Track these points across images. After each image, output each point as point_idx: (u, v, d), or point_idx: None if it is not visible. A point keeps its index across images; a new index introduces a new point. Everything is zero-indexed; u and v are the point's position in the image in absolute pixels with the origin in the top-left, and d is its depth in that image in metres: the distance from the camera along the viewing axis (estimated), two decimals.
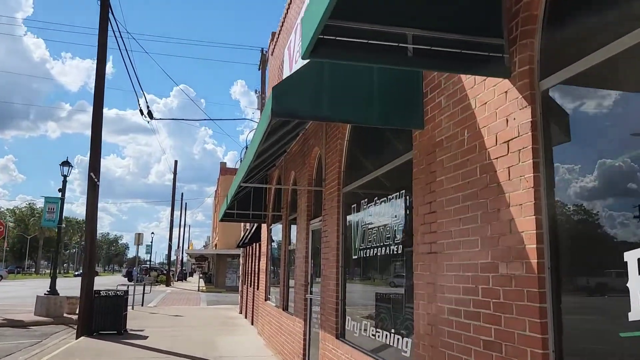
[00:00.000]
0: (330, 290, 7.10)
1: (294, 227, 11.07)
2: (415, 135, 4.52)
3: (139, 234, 22.45)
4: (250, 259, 19.67)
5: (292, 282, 10.69)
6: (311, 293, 8.74)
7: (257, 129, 5.55)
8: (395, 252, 5.04)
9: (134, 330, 14.98)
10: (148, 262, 69.48)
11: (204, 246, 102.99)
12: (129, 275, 65.70)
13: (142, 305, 24.57)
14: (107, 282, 51.16)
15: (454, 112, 3.85)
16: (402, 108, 4.38)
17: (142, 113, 20.72)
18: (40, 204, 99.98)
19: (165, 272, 60.91)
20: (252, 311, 17.33)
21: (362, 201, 6.16)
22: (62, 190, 19.99)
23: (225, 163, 54.36)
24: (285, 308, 10.97)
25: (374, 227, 5.65)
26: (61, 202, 19.99)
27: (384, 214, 5.39)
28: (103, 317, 14.09)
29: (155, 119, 24.39)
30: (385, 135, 5.85)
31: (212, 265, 63.22)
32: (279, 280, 12.02)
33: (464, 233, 3.59)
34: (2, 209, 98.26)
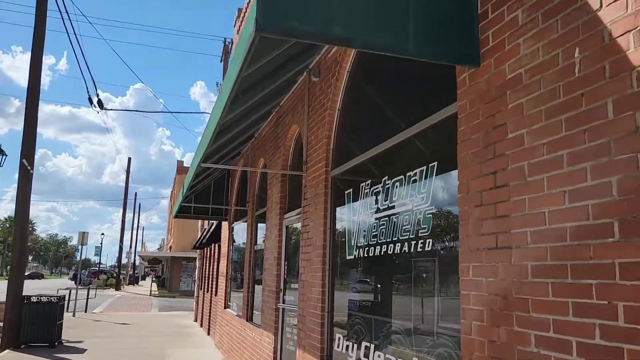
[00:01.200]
0: (313, 300, 5.62)
1: (262, 224, 9.53)
2: (463, 78, 3.11)
3: (84, 232, 20.29)
4: (207, 261, 17.92)
5: (258, 288, 9.13)
6: (284, 302, 7.23)
7: (227, 75, 4.05)
8: (418, 250, 3.61)
9: (71, 342, 13.02)
10: (98, 265, 65.92)
11: (158, 249, 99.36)
12: (75, 279, 62.14)
13: (86, 311, 22.34)
14: (52, 285, 47.85)
15: (548, 26, 2.46)
16: (443, 38, 2.96)
17: (91, 102, 18.79)
18: None
19: (115, 275, 57.79)
20: (209, 319, 15.60)
21: (364, 184, 4.71)
22: None
23: (182, 162, 52.03)
24: (250, 318, 9.39)
25: (384, 217, 4.21)
26: None
27: (400, 199, 3.95)
28: (33, 327, 12.10)
29: (106, 109, 22.26)
30: (399, 93, 4.43)
31: (166, 269, 60.50)
32: (242, 286, 10.44)
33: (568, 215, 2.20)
34: None
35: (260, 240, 9.37)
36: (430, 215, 3.48)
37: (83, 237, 20.26)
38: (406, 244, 3.80)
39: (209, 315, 15.60)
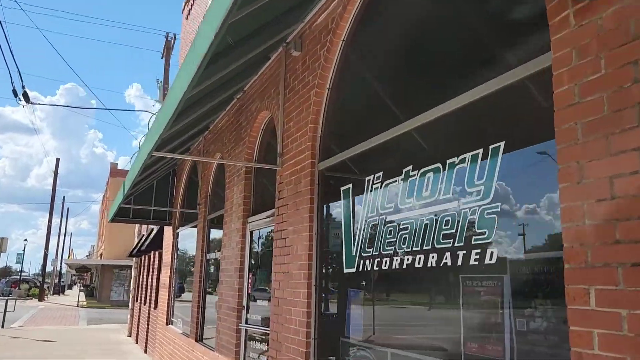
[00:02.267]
0: (293, 323, 4.53)
1: (216, 230, 8.31)
2: (563, 18, 2.17)
3: (2, 238, 18.05)
4: (146, 270, 16.28)
5: (211, 302, 7.90)
6: (247, 321, 6.07)
7: (202, 26, 2.95)
8: (472, 263, 2.63)
9: None
10: (19, 273, 61.05)
11: (87, 256, 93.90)
12: None
13: (3, 326, 19.93)
14: None
15: None
16: None
17: (15, 95, 16.83)
18: None
19: (38, 284, 53.62)
20: (147, 335, 14.02)
21: (371, 178, 3.69)
22: None
23: (117, 164, 49.20)
24: (200, 338, 8.12)
25: (406, 220, 3.21)
26: None
27: (435, 195, 2.97)
28: None
29: (32, 103, 20.09)
30: (428, 56, 3.45)
31: (96, 277, 56.78)
32: (190, 300, 9.14)
33: None
34: None
35: (214, 248, 8.15)
36: (494, 215, 2.51)
37: (1, 243, 18.03)
38: (447, 254, 2.81)
39: (147, 331, 14.03)
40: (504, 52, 2.73)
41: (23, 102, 17.71)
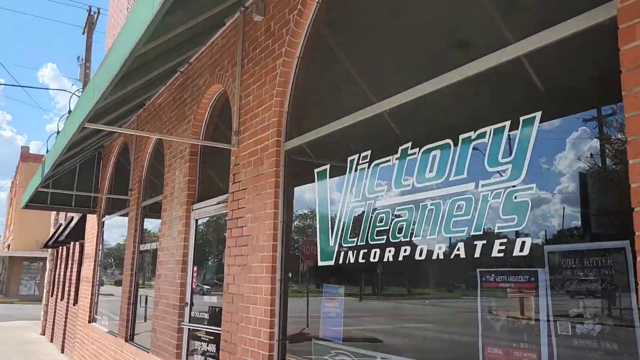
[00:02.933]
0: (252, 322, 3.99)
1: (153, 219, 7.55)
2: None
3: None
4: (64, 263, 14.93)
5: (146, 298, 7.16)
6: (191, 320, 5.44)
7: None
8: (494, 255, 2.24)
9: None
10: None
11: None
12: None
13: None
14: None
15: None
16: None
17: None
18: None
19: None
20: (64, 334, 12.83)
21: (355, 158, 3.23)
22: None
23: (28, 148, 45.61)
24: (130, 338, 7.34)
25: (404, 205, 2.77)
26: None
27: (445, 176, 2.55)
28: None
29: None
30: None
31: (3, 270, 52.49)
32: (118, 296, 8.29)
33: None
34: None
35: (150, 238, 7.39)
36: (526, 199, 2.13)
37: None
38: (460, 245, 2.41)
39: (64, 329, 12.84)
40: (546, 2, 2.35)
41: None
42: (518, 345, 2.11)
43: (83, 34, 26.33)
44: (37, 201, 9.33)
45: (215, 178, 5.62)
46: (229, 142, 4.79)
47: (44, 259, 40.06)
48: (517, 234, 2.15)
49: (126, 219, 8.91)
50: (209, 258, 5.43)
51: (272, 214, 3.94)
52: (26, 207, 9.47)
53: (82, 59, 25.74)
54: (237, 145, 4.66)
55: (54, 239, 13.73)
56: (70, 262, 13.31)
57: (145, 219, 7.69)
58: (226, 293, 4.50)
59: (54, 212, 16.89)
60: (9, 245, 45.90)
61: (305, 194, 3.85)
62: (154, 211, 7.49)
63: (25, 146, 47.39)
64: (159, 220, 6.59)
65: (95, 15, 26.07)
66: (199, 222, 5.63)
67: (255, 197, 4.22)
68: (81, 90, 24.63)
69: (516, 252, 2.14)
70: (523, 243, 2.12)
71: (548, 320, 2.02)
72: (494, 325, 2.24)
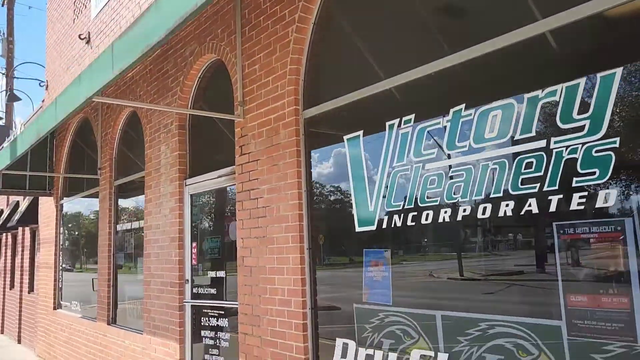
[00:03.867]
0: (280, 292, 3.98)
1: (128, 198, 7.26)
2: None
3: None
4: (10, 250, 14.06)
5: (129, 279, 6.93)
6: (194, 297, 5.33)
7: None
8: (575, 207, 2.35)
9: None
10: None
11: None
12: None
13: None
14: None
15: None
16: None
17: None
18: None
19: None
20: (19, 324, 12.19)
21: (394, 122, 3.24)
22: None
23: None
24: (113, 321, 7.10)
25: (461, 166, 2.84)
26: None
27: (506, 134, 2.63)
28: None
29: None
30: None
31: None
32: (85, 280, 7.95)
33: None
34: None
35: (126, 217, 7.10)
36: (609, 152, 2.24)
37: None
38: (532, 201, 2.50)
39: (19, 319, 12.18)
40: None
41: None
42: (606, 291, 2.24)
43: (2, 5, 24.34)
44: None
45: (208, 151, 5.46)
46: (224, 112, 4.65)
47: None
48: (599, 187, 2.26)
49: (88, 200, 8.52)
50: (209, 233, 5.30)
51: (295, 184, 3.91)
52: None
53: (3, 33, 23.87)
54: (242, 116, 4.53)
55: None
56: (17, 248, 12.55)
57: (121, 198, 7.37)
58: (241, 266, 4.44)
59: None
60: None
61: (331, 161, 3.83)
62: (129, 190, 7.21)
63: None
64: (133, 199, 6.34)
65: None
66: (199, 196, 5.47)
67: (271, 168, 4.15)
68: (4, 68, 22.86)
69: (599, 204, 2.26)
70: (607, 195, 2.24)
71: (638, 267, 2.15)
72: (576, 274, 2.36)
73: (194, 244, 5.40)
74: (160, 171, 5.94)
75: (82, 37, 8.43)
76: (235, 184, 4.74)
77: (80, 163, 9.18)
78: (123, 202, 7.36)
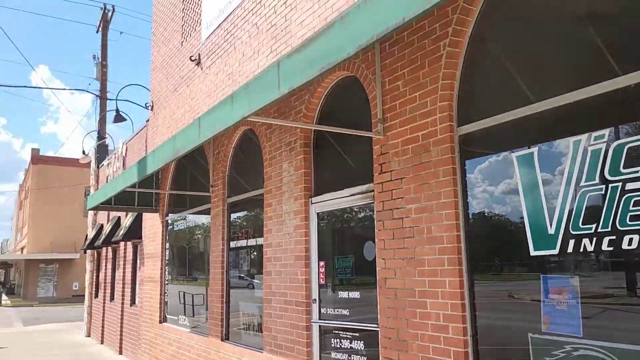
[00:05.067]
0: (433, 317, 3.79)
1: (240, 213, 7.35)
2: None
3: None
4: (110, 263, 14.74)
5: (240, 294, 6.97)
6: (323, 317, 5.24)
7: None
8: None
9: None
10: None
11: None
12: None
13: None
14: None
15: None
16: None
17: None
18: None
19: None
20: (121, 336, 12.67)
21: (580, 139, 3.01)
22: None
23: (38, 150, 45.34)
24: (226, 337, 7.17)
25: None
26: None
27: None
28: None
29: None
30: None
31: (17, 274, 52.34)
32: (199, 294, 8.10)
33: None
34: None
35: (241, 234, 7.18)
36: None
37: None
38: None
39: (121, 331, 12.67)
40: None
41: None
42: None
43: (97, 32, 26.02)
44: (106, 201, 9.11)
45: (334, 169, 5.40)
46: (353, 129, 4.57)
47: (59, 261, 40.04)
48: None
49: (193, 216, 8.73)
50: (339, 252, 5.21)
51: (451, 204, 3.74)
52: (96, 208, 9.24)
53: (98, 58, 25.42)
54: (382, 133, 4.43)
55: (104, 240, 13.53)
56: (122, 262, 13.11)
57: (232, 214, 7.48)
58: (383, 288, 4.30)
59: (91, 213, 16.67)
60: (23, 248, 45.77)
61: (492, 180, 3.63)
62: (241, 207, 7.31)
63: (36, 148, 47.18)
64: (246, 216, 6.39)
65: (110, 13, 25.76)
66: (323, 214, 5.42)
67: (420, 187, 4.01)
68: (99, 90, 24.30)
69: None
70: None
71: None
72: None
73: (322, 263, 5.34)
74: (282, 189, 5.96)
75: (192, 58, 8.73)
76: (370, 202, 4.64)
77: (185, 180, 9.47)
78: (235, 219, 7.47)
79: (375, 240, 4.47)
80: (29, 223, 42.55)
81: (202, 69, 8.49)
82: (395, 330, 4.16)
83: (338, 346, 5.02)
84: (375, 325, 4.44)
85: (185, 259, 9.39)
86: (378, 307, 4.38)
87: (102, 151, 17.12)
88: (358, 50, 2.68)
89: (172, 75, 9.93)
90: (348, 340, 4.89)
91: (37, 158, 43.50)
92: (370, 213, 4.75)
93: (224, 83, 7.59)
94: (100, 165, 16.66)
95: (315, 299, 5.34)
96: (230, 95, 4.04)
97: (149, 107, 11.32)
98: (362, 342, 4.74)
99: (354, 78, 5.01)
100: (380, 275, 4.37)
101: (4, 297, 40.32)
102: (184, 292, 9.12)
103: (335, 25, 2.85)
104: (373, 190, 4.57)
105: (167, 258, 9.86)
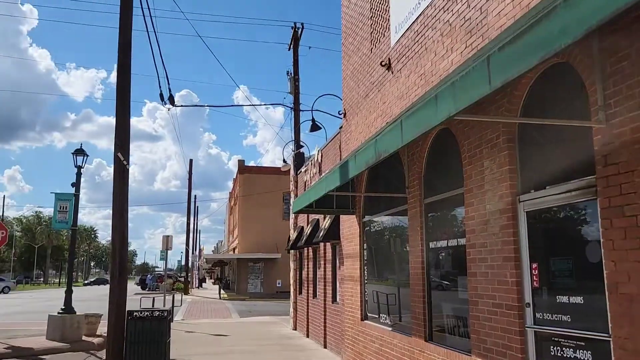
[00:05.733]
0: None
1: (434, 214, 7.28)
2: None
3: (167, 236, 18.69)
4: (311, 263, 15.87)
5: (441, 295, 6.89)
6: (538, 322, 4.91)
7: None
8: None
9: None
10: (165, 270, 65.81)
11: (212, 251, 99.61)
12: (142, 283, 62.03)
13: (172, 320, 20.80)
14: None
15: None
16: None
17: (162, 99, 17.26)
18: (46, 212, 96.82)
19: (180, 279, 57.33)
20: (325, 331, 13.52)
21: None
22: (77, 184, 16.21)
23: (244, 161, 50.72)
24: (429, 337, 7.16)
25: None
26: (75, 200, 16.22)
27: None
28: (139, 347, 10.31)
29: (176, 106, 20.79)
30: None
31: (231, 271, 59.37)
32: (392, 294, 8.23)
33: None
34: (8, 218, 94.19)
35: (441, 234, 7.12)
36: None
37: (167, 241, 18.67)
38: None
39: (324, 326, 13.52)
40: None
41: (169, 105, 18.24)
42: None
43: (289, 49, 28.20)
44: (309, 205, 9.83)
45: (541, 165, 5.03)
46: (563, 119, 4.16)
47: (264, 260, 44.31)
48: None
49: (389, 218, 8.88)
50: (555, 253, 4.84)
51: None
52: (300, 211, 10.04)
53: (290, 73, 27.54)
54: (605, 121, 3.99)
55: (303, 241, 14.64)
56: (322, 262, 14.00)
57: (429, 215, 7.46)
58: (614, 294, 3.87)
59: (292, 217, 18.12)
60: (234, 249, 51.77)
61: None
62: (437, 207, 7.24)
63: (241, 159, 53.07)
64: (443, 216, 6.25)
65: (300, 31, 27.77)
66: (531, 214, 5.09)
67: None
68: (292, 103, 26.34)
69: None
70: None
71: None
72: None
73: (534, 265, 5.01)
74: (484, 187, 5.75)
75: (382, 63, 8.95)
76: (591, 198, 4.22)
77: (379, 182, 9.73)
78: (433, 220, 7.43)
79: (601, 240, 4.05)
80: (238, 226, 47.95)
81: (392, 72, 8.65)
82: (632, 341, 3.70)
83: (559, 355, 4.64)
84: (606, 335, 4.01)
85: (380, 259, 9.64)
86: (608, 314, 3.95)
87: (299, 159, 18.52)
88: (586, 32, 2.46)
89: (363, 82, 10.30)
90: (571, 349, 4.50)
91: (242, 168, 48.82)
92: (591, 210, 4.31)
93: (415, 84, 7.62)
94: (298, 172, 18.03)
95: (528, 303, 5.03)
96: (433, 96, 4.03)
97: (342, 115, 11.90)
98: (588, 351, 4.32)
99: (564, 64, 4.62)
100: (609, 280, 3.94)
101: (222, 291, 45.97)
102: (378, 292, 9.36)
103: (559, 7, 2.66)
104: (594, 186, 4.15)
105: (365, 258, 10.24)
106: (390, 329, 8.61)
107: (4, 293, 53.39)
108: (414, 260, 7.62)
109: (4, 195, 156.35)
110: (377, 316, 9.43)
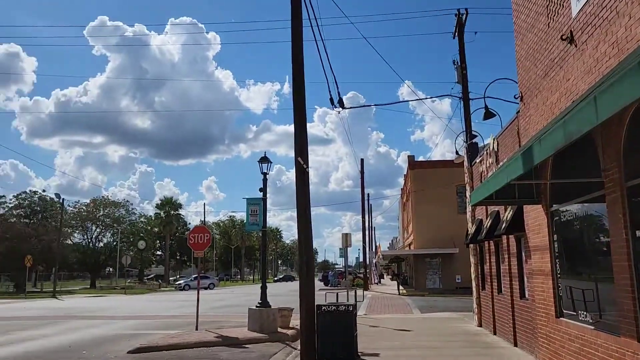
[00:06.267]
0: None
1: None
2: None
3: (347, 234, 19.44)
4: (493, 257, 15.15)
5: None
6: None
7: None
8: None
9: (367, 355, 11.58)
10: (345, 267, 68.72)
11: (387, 247, 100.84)
12: (325, 280, 65.55)
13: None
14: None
15: None
16: None
17: (332, 103, 17.96)
18: (238, 216, 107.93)
19: (359, 275, 59.21)
20: (514, 328, 12.80)
21: None
22: (264, 189, 17.79)
23: (413, 156, 50.44)
24: None
25: None
26: (263, 203, 17.81)
27: None
28: (328, 339, 10.92)
29: (345, 108, 21.46)
30: None
31: (408, 267, 59.58)
32: (589, 289, 7.41)
33: None
34: (209, 223, 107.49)
35: None
36: None
37: (347, 239, 19.44)
38: None
39: (513, 323, 12.80)
40: None
41: (339, 108, 18.90)
42: None
43: (454, 38, 27.29)
44: (486, 197, 9.41)
45: None
46: None
47: (441, 255, 43.51)
48: None
49: (580, 205, 8.03)
50: None
51: None
52: (479, 203, 9.67)
53: (457, 62, 26.62)
54: None
55: (484, 234, 14.04)
56: (506, 255, 13.28)
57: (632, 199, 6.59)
58: None
59: (469, 209, 17.52)
60: (410, 245, 51.76)
61: None
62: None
63: (411, 155, 52.87)
64: None
65: (464, 17, 26.75)
66: None
67: None
68: (460, 92, 25.45)
69: None
70: None
71: None
72: None
73: None
74: None
75: (563, 37, 8.18)
76: None
77: (567, 167, 8.88)
78: (638, 205, 6.55)
79: None
80: (412, 222, 47.85)
81: (576, 45, 7.86)
82: None
83: None
84: None
85: (573, 252, 8.79)
86: None
87: (472, 150, 17.81)
88: None
89: (540, 61, 9.53)
90: None
91: (413, 163, 48.63)
92: None
93: (606, 55, 6.81)
94: (472, 163, 17.35)
95: None
96: (637, 63, 3.57)
97: (519, 99, 11.16)
98: None
99: None
100: None
101: (400, 287, 46.31)
102: (572, 287, 8.54)
103: None
104: None
105: (555, 250, 9.44)
106: (592, 327, 7.81)
107: (210, 289, 60.87)
108: (616, 251, 6.80)
109: (204, 203, 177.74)
110: (574, 313, 8.62)
